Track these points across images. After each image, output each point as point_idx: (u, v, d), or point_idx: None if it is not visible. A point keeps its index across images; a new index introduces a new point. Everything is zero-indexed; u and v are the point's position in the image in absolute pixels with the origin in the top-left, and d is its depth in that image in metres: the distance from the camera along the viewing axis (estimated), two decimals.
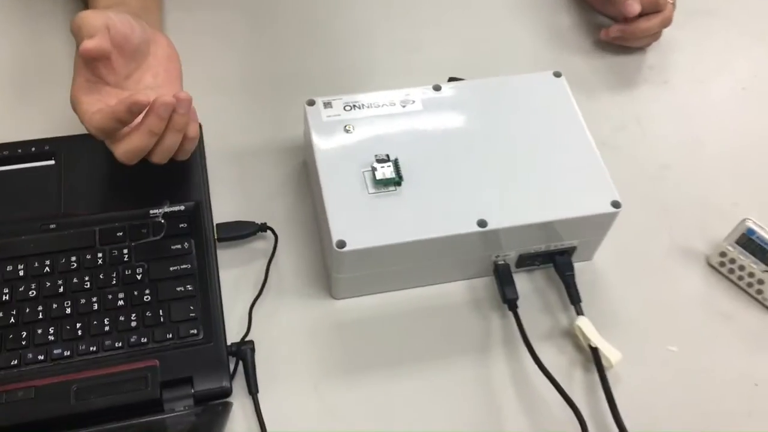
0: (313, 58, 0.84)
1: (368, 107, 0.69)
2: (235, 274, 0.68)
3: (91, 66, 0.63)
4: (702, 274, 0.72)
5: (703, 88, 0.87)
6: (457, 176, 0.66)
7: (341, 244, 0.61)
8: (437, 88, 0.71)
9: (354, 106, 0.69)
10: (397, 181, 0.65)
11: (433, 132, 0.68)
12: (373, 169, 0.65)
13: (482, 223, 0.63)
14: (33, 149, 0.70)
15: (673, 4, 0.86)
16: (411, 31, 0.88)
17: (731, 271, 0.71)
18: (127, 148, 0.62)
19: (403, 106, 0.70)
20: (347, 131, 0.68)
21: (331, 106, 0.69)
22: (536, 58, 0.87)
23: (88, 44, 0.60)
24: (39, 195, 0.68)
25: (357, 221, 0.63)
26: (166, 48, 0.69)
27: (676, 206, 0.76)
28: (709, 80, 0.87)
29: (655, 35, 0.88)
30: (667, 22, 0.86)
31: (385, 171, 0.64)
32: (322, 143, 0.67)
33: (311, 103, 0.69)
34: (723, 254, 0.71)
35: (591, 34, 0.89)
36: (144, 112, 0.60)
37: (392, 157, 0.66)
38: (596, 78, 0.86)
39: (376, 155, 0.65)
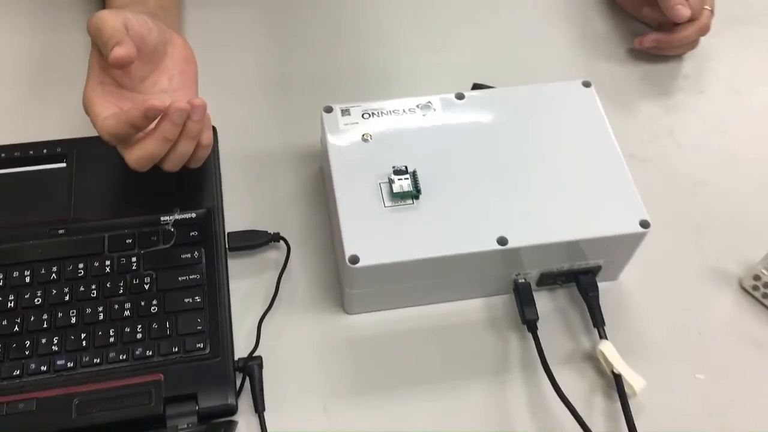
0: (334, 60, 0.81)
1: (387, 115, 0.67)
2: (246, 286, 0.66)
3: (108, 69, 0.61)
4: (734, 298, 0.69)
5: (742, 100, 0.83)
6: (478, 190, 0.63)
7: (354, 259, 0.59)
8: (460, 96, 0.68)
9: (372, 113, 0.67)
10: (414, 194, 0.62)
11: (453, 143, 0.66)
12: (390, 182, 0.62)
13: (502, 241, 0.60)
14: (45, 151, 0.69)
15: (711, 11, 0.82)
16: (438, 34, 0.85)
17: (765, 295, 0.68)
18: (139, 155, 0.60)
19: (424, 115, 0.67)
20: (365, 140, 0.65)
21: (349, 114, 0.67)
22: (567, 65, 0.84)
23: (119, 52, 0.58)
24: (49, 198, 0.67)
25: (372, 236, 0.60)
26: (182, 49, 0.67)
27: (708, 225, 0.73)
28: (748, 91, 0.83)
29: (692, 44, 0.84)
30: (704, 30, 0.82)
31: (403, 184, 0.62)
32: (338, 153, 0.64)
33: (329, 110, 0.67)
34: (757, 278, 0.67)
35: (624, 41, 0.86)
36: (158, 118, 0.59)
37: (410, 169, 0.63)
38: (628, 86, 0.82)
39: (393, 167, 0.63)
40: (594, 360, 0.64)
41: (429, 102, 0.68)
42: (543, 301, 0.67)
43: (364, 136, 0.65)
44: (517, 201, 0.63)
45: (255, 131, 0.75)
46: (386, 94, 0.79)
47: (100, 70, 0.62)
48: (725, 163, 0.77)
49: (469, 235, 0.61)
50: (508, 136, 0.66)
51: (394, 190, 0.62)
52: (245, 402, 0.60)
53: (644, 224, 0.62)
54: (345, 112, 0.67)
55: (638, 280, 0.69)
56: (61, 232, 0.65)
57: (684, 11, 0.78)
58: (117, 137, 0.60)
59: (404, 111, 0.67)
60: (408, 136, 0.66)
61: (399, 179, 0.62)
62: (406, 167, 0.63)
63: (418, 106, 0.68)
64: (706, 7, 0.81)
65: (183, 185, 0.68)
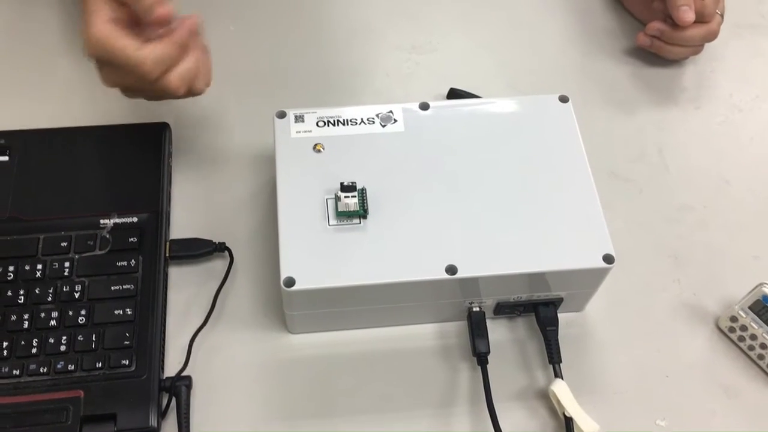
0: (302, 56, 0.77)
1: (344, 124, 0.62)
2: (186, 298, 0.63)
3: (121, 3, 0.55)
4: (708, 338, 0.64)
5: (741, 119, 0.77)
6: (431, 213, 0.59)
7: (290, 282, 0.55)
8: (424, 106, 0.64)
9: (328, 122, 0.62)
10: (361, 214, 0.58)
11: (411, 159, 0.61)
12: (337, 198, 0.58)
13: (451, 270, 0.56)
14: None
15: (722, 16, 0.76)
16: (422, 29, 0.80)
17: (741, 338, 0.63)
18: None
19: (383, 126, 0.63)
20: (317, 151, 0.61)
21: (303, 120, 0.62)
22: (559, 66, 0.78)
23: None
24: None
25: (312, 256, 0.56)
26: None
27: (689, 255, 0.68)
28: (749, 110, 0.77)
29: (695, 49, 0.78)
30: (711, 37, 0.76)
31: (349, 202, 0.58)
32: (286, 163, 0.60)
33: (281, 115, 0.63)
34: (734, 319, 0.63)
35: (621, 41, 0.80)
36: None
37: (360, 186, 0.59)
38: (619, 95, 0.77)
39: (342, 182, 0.59)
40: (548, 398, 0.60)
41: (390, 111, 0.63)
42: (500, 330, 0.63)
43: (317, 147, 0.61)
44: (473, 227, 0.58)
45: (212, 130, 0.71)
46: (356, 95, 0.75)
47: (109, 5, 0.55)
48: (715, 188, 0.72)
49: (416, 262, 0.57)
50: (471, 154, 0.62)
51: (339, 209, 0.58)
52: (170, 425, 0.57)
53: (608, 259, 0.57)
54: (299, 118, 0.63)
55: (605, 312, 0.64)
56: None
57: (689, 14, 0.73)
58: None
59: (362, 120, 0.63)
60: (363, 148, 0.61)
61: (346, 197, 0.58)
62: (354, 184, 0.59)
63: (378, 115, 0.63)
64: (718, 11, 0.75)
65: (129, 185, 0.65)
